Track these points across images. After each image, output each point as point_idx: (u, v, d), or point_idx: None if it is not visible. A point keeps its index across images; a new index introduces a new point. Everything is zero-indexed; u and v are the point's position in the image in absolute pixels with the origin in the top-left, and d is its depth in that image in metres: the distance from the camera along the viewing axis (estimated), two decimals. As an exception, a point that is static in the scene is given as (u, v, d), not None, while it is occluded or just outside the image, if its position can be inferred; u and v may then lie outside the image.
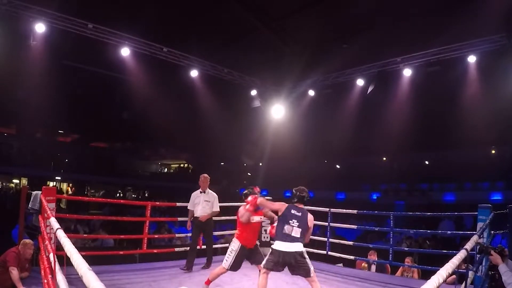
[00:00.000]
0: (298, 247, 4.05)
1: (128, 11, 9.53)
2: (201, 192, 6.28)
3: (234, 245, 4.67)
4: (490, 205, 5.21)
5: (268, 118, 12.07)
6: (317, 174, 24.03)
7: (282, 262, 4.05)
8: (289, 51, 11.02)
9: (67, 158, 29.53)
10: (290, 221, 4.09)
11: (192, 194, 6.29)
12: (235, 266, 4.65)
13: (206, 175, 6.36)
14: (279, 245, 4.08)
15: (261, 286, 4.16)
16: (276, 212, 4.33)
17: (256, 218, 4.73)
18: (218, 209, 6.37)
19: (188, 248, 6.27)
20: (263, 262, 4.21)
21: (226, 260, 4.63)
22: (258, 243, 4.96)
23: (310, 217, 4.24)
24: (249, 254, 4.76)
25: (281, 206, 4.26)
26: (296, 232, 4.06)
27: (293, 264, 4.04)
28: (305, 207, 4.29)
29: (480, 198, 15.32)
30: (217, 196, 6.36)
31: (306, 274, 4.09)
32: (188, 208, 6.28)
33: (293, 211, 4.17)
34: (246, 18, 10.12)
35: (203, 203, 6.22)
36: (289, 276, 5.18)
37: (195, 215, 6.21)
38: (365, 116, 14.56)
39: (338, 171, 26.52)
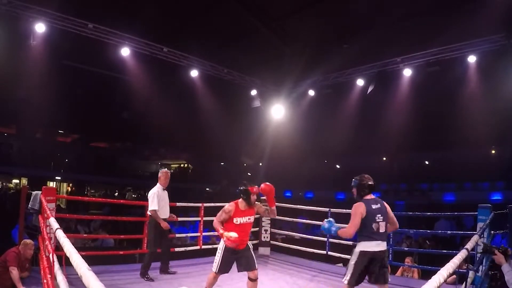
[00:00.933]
0: (385, 245, 3.69)
1: (128, 11, 9.53)
2: (164, 190, 5.62)
3: (220, 245, 4.22)
4: (490, 205, 5.21)
5: (268, 118, 12.07)
6: (317, 174, 24.04)
7: (371, 263, 3.59)
8: (289, 51, 11.03)
9: (67, 158, 29.47)
10: (376, 218, 3.63)
11: (155, 193, 5.46)
12: (223, 267, 4.18)
13: (167, 170, 5.82)
14: (368, 245, 3.60)
15: None
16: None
17: (241, 220, 4.17)
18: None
19: (148, 252, 5.54)
20: (345, 278, 3.67)
21: (215, 262, 4.20)
22: (250, 245, 4.36)
23: (385, 204, 3.80)
24: (237, 256, 4.22)
25: (361, 211, 3.63)
26: (383, 227, 3.66)
27: (377, 268, 3.59)
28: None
29: (480, 198, 15.32)
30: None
31: (385, 281, 3.67)
32: (154, 209, 5.38)
33: (374, 206, 3.67)
34: (246, 18, 10.13)
35: (167, 201, 5.67)
36: (289, 276, 5.18)
37: (162, 216, 5.48)
38: (365, 116, 14.56)
39: (338, 171, 26.50)
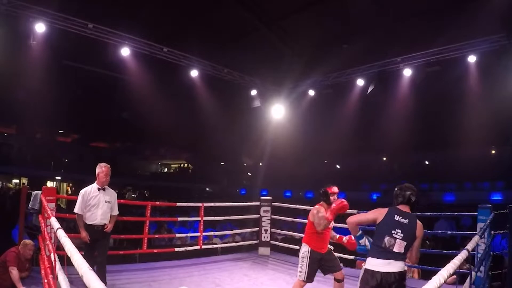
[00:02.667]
0: (400, 266, 3.05)
1: (128, 11, 9.53)
2: (99, 189, 4.58)
3: (304, 251, 4.13)
4: (490, 205, 5.21)
5: (268, 118, 12.07)
6: (317, 174, 24.04)
7: (378, 286, 3.04)
8: (289, 51, 11.03)
9: (67, 158, 29.52)
10: (393, 231, 3.07)
11: (85, 192, 4.50)
12: (311, 275, 4.11)
13: (107, 164, 4.68)
14: (374, 263, 3.07)
15: None
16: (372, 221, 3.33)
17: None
18: (118, 212, 4.86)
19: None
20: None
21: (300, 271, 4.10)
22: (331, 248, 4.40)
23: (419, 225, 3.16)
24: (322, 261, 4.18)
25: (378, 213, 3.25)
26: (400, 247, 3.04)
27: None
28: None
29: (480, 198, 15.33)
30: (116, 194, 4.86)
31: None
32: (77, 212, 4.45)
33: (397, 218, 3.11)
34: (246, 18, 10.13)
35: (104, 204, 4.56)
36: (290, 276, 5.18)
37: (89, 222, 4.47)
38: (365, 116, 14.56)
39: (338, 171, 26.51)
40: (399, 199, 3.22)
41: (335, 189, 4.24)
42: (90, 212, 4.50)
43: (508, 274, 5.05)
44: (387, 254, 3.03)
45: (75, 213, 4.49)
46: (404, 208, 3.19)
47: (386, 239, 3.07)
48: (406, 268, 3.11)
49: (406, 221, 3.09)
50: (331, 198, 4.22)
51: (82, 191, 4.52)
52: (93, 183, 4.64)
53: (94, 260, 4.37)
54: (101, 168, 4.60)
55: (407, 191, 3.20)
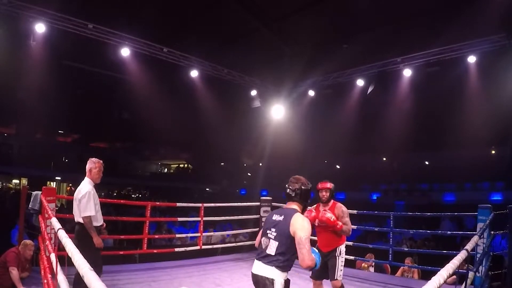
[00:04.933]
0: (268, 271, 2.65)
1: (128, 11, 9.53)
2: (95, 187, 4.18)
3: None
4: (490, 206, 5.21)
5: (268, 118, 12.07)
6: (317, 174, 24.02)
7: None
8: (289, 51, 11.04)
9: (67, 158, 29.53)
10: (268, 231, 2.76)
11: (90, 191, 3.99)
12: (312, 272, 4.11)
13: (99, 160, 4.26)
14: (254, 264, 2.79)
15: None
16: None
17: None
18: None
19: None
20: None
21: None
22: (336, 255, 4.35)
23: (296, 220, 2.65)
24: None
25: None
26: (271, 247, 2.69)
27: None
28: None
29: (480, 198, 15.31)
30: None
31: None
32: (91, 214, 3.91)
33: (275, 217, 2.79)
34: (246, 19, 10.13)
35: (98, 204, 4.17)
36: (289, 276, 5.18)
37: (97, 224, 4.05)
38: (365, 116, 14.58)
39: (338, 171, 26.51)
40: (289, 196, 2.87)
41: (321, 185, 4.34)
42: (98, 213, 4.08)
43: (508, 274, 5.05)
44: (261, 255, 2.73)
45: (87, 217, 3.89)
46: (288, 205, 2.85)
47: (263, 239, 2.78)
48: (278, 277, 2.62)
49: (281, 218, 2.73)
50: (319, 195, 4.31)
51: (88, 190, 3.98)
52: (86, 181, 4.12)
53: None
54: (94, 164, 4.15)
55: (286, 185, 2.87)
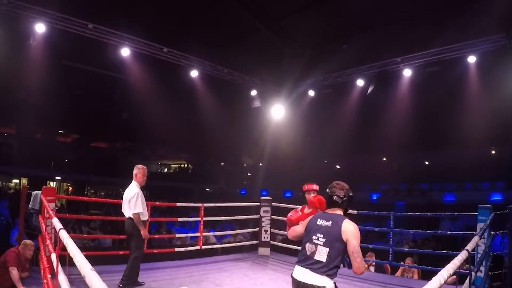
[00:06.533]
0: (319, 279, 2.57)
1: (128, 11, 9.54)
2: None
3: None
4: (490, 206, 5.21)
5: (268, 118, 12.08)
6: (317, 174, 24.03)
7: None
8: (289, 51, 11.04)
9: (67, 158, 29.52)
10: (314, 237, 2.68)
11: (138, 193, 4.82)
12: None
13: (144, 166, 5.06)
14: (296, 270, 2.72)
15: None
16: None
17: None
18: None
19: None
20: None
21: None
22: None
23: (347, 226, 2.62)
24: None
25: (305, 221, 2.92)
26: (320, 254, 2.60)
27: None
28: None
29: (480, 198, 15.32)
30: None
31: None
32: (140, 211, 4.79)
33: (320, 222, 2.72)
34: (246, 19, 10.13)
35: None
36: (289, 276, 5.16)
37: (144, 219, 4.95)
38: (365, 116, 14.57)
39: (338, 171, 26.51)
40: (330, 202, 2.84)
41: (307, 187, 4.43)
42: (145, 210, 4.91)
43: (508, 274, 5.06)
44: (306, 261, 2.65)
45: (136, 214, 4.72)
46: (334, 210, 2.80)
47: (307, 245, 2.69)
48: (329, 284, 2.57)
49: (329, 223, 2.68)
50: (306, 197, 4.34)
51: (136, 191, 4.79)
52: (134, 184, 4.90)
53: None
54: (139, 169, 4.95)
55: (329, 191, 2.85)
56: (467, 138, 16.29)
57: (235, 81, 11.38)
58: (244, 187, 27.41)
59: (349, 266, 2.62)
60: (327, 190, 2.87)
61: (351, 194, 2.84)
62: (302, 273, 2.63)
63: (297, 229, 3.00)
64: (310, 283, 2.58)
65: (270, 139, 13.83)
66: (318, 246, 2.62)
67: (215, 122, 16.02)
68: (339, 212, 2.78)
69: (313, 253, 2.62)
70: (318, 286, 2.56)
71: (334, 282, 2.62)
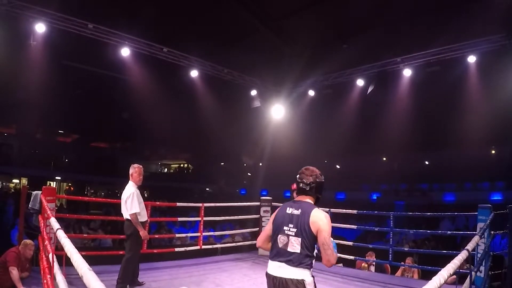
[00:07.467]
0: (296, 272, 2.40)
1: (128, 11, 9.54)
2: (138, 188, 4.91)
3: None
4: (490, 205, 5.21)
5: (268, 118, 12.07)
6: (317, 174, 23.98)
7: None
8: (289, 51, 11.04)
9: (67, 158, 29.55)
10: (285, 227, 2.49)
11: (134, 193, 4.69)
12: None
13: (139, 165, 4.96)
14: (270, 266, 2.55)
15: None
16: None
17: None
18: None
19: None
20: None
21: None
22: None
23: (315, 216, 2.44)
24: None
25: (273, 215, 2.70)
26: (293, 245, 2.43)
27: None
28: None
29: (480, 198, 15.33)
30: None
31: None
32: (136, 211, 4.66)
33: (289, 210, 2.54)
34: (246, 19, 10.14)
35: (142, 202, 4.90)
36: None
37: (142, 220, 4.83)
38: (365, 116, 14.57)
39: (338, 171, 26.51)
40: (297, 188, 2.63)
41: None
42: (142, 210, 4.80)
43: (508, 274, 5.06)
44: (280, 255, 2.48)
45: (132, 214, 4.61)
46: (302, 197, 2.60)
47: (279, 237, 2.50)
48: (307, 277, 2.40)
49: (298, 212, 2.48)
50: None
51: (132, 191, 4.68)
52: (130, 184, 4.80)
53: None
54: (134, 169, 4.83)
55: (298, 177, 2.65)
56: (467, 138, 16.29)
57: (235, 81, 11.38)
58: (244, 187, 27.40)
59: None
60: (297, 175, 2.67)
61: (320, 180, 2.61)
62: (277, 268, 2.46)
63: (264, 232, 2.74)
64: (287, 278, 2.40)
65: (270, 139, 13.82)
66: (290, 237, 2.44)
67: (215, 122, 16.02)
68: (309, 200, 2.59)
69: (286, 245, 2.45)
70: (296, 280, 2.38)
71: (312, 276, 2.45)
